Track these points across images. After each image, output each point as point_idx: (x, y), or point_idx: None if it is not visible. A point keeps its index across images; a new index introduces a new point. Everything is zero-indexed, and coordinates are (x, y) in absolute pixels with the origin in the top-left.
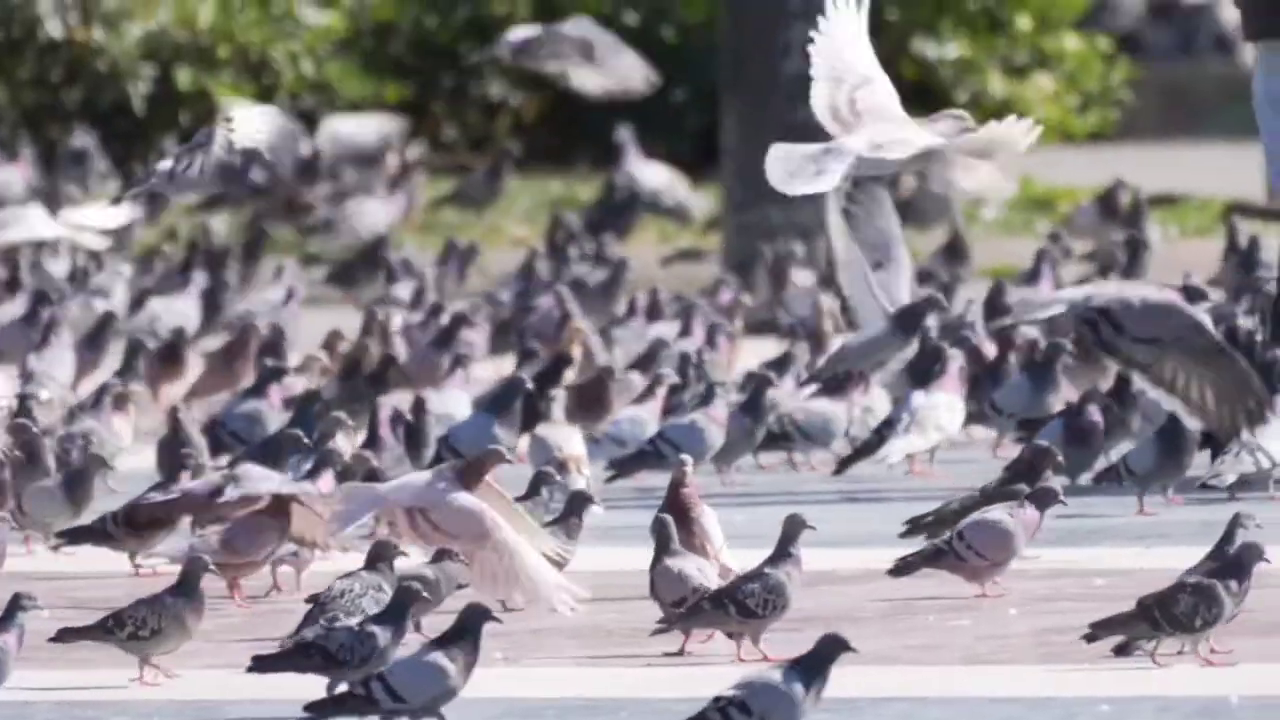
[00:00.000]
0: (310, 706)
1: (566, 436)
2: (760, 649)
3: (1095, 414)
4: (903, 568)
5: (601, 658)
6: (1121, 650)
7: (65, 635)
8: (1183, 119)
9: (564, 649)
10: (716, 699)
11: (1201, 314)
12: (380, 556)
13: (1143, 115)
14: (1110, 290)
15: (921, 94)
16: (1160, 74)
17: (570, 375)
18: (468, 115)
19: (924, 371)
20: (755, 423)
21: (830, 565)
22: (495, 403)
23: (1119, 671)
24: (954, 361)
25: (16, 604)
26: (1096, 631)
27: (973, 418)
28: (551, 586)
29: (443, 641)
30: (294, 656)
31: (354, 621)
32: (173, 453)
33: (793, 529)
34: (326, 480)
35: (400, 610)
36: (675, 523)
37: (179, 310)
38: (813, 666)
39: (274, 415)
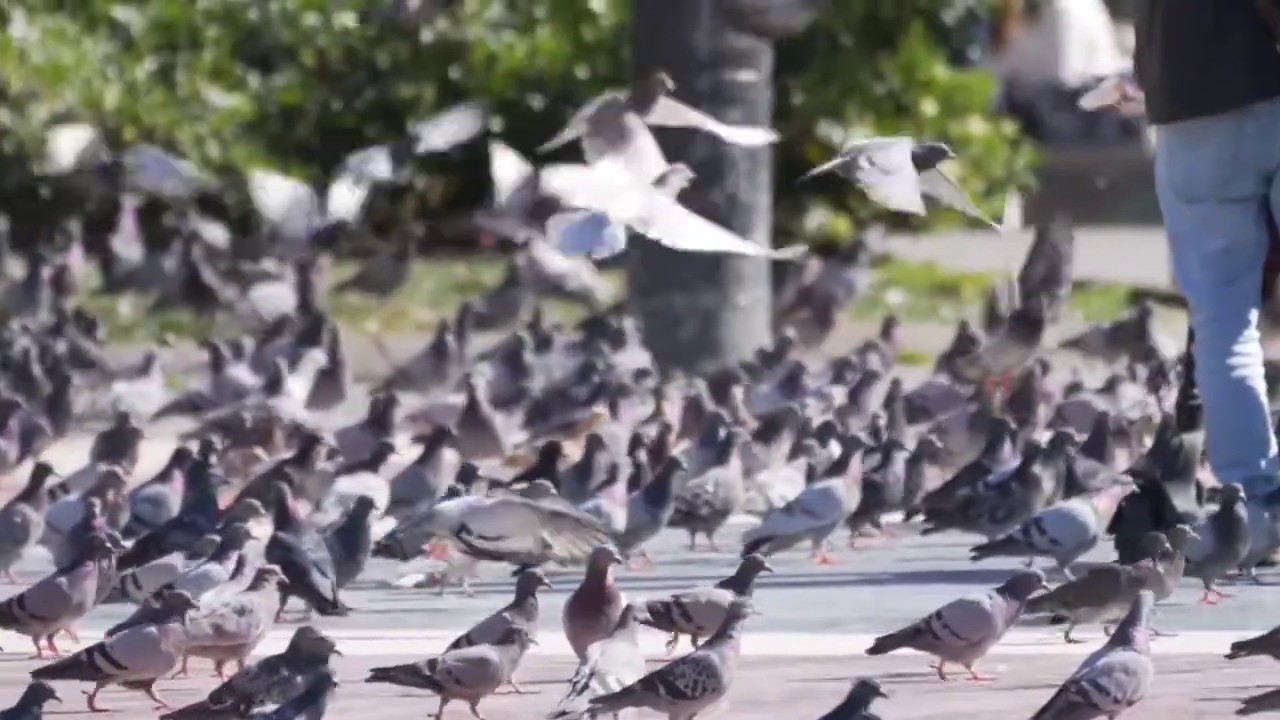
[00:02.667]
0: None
1: None
2: None
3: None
4: (881, 647)
5: None
6: None
7: (184, 717)
8: (1087, 204)
9: None
10: None
11: None
12: (300, 647)
13: (1047, 201)
14: None
15: (827, 177)
16: (1064, 160)
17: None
18: (372, 198)
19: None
20: (659, 508)
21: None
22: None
23: None
24: (854, 453)
25: (36, 695)
26: (1249, 707)
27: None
28: None
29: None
30: None
31: (272, 709)
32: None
33: (736, 611)
34: (233, 561)
35: (317, 696)
36: (589, 609)
37: (141, 392)
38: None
39: (177, 499)
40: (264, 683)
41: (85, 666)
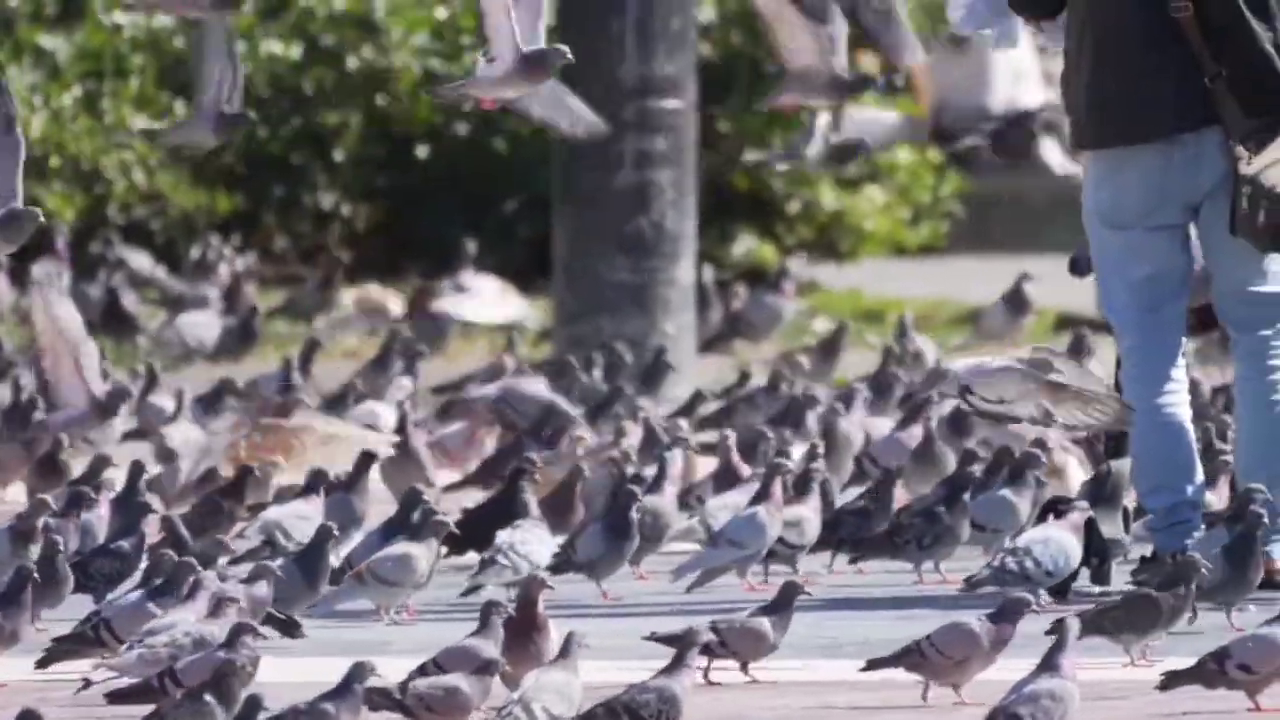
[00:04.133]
0: None
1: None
2: None
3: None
4: (872, 666)
5: None
6: None
7: None
8: (1013, 231)
9: None
10: None
11: None
12: (225, 675)
13: (973, 228)
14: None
15: (754, 205)
16: (990, 186)
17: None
18: (299, 225)
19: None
20: (619, 539)
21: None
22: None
23: None
24: (775, 478)
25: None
26: (1168, 681)
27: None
28: None
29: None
30: None
31: None
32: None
33: (689, 639)
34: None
35: None
36: (517, 637)
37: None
38: None
39: (103, 526)
40: (188, 711)
41: (156, 692)
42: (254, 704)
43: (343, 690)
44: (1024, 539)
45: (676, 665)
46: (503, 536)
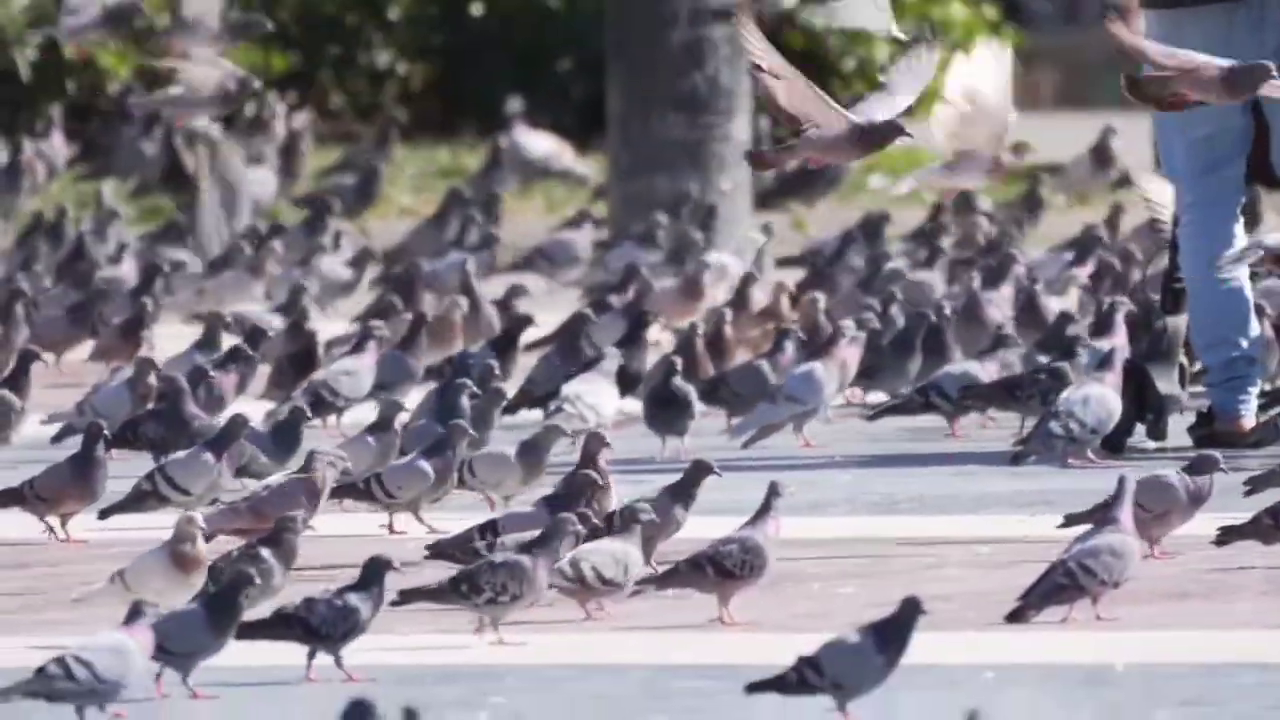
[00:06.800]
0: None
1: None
2: (726, 612)
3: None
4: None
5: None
6: (1014, 617)
7: (410, 596)
8: (1071, 89)
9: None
10: (798, 659)
11: None
12: (282, 530)
13: (1030, 85)
14: None
15: (809, 62)
16: (1046, 43)
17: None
18: (354, 84)
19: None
20: (667, 406)
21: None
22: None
23: (1005, 639)
24: (843, 336)
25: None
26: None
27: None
28: None
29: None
30: (276, 626)
31: (333, 592)
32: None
33: (774, 490)
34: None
35: (375, 580)
36: (582, 496)
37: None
38: (892, 631)
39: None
40: (245, 566)
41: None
42: (380, 563)
43: (545, 540)
44: (1063, 401)
45: (761, 516)
46: (570, 387)
